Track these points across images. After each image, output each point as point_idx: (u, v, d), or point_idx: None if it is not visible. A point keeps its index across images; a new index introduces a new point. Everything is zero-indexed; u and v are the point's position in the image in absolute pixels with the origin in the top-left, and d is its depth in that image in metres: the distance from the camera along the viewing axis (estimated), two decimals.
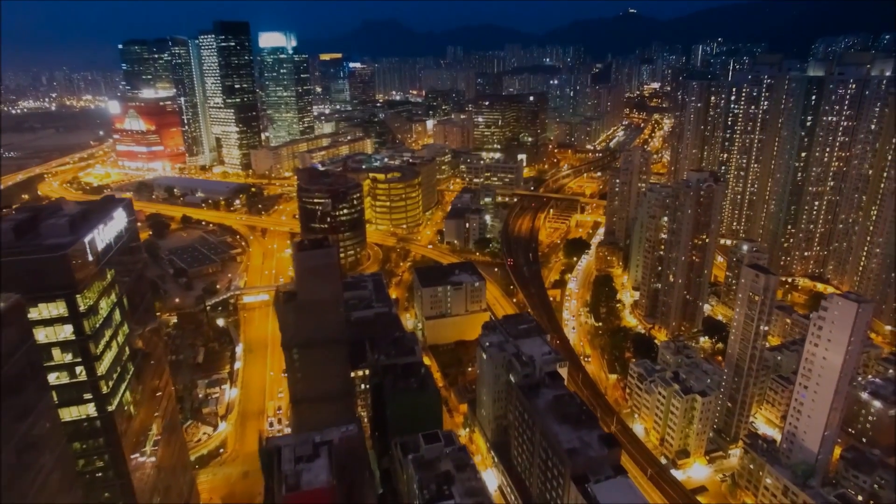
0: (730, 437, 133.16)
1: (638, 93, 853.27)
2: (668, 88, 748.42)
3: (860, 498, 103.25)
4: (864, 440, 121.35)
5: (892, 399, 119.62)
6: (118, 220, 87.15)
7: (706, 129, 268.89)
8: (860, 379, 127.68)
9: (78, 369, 73.00)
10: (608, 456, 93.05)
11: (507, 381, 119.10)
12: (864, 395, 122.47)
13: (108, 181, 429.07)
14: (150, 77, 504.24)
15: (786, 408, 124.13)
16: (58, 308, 69.12)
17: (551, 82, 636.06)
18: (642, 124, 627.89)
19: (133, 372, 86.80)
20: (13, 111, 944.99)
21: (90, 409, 75.48)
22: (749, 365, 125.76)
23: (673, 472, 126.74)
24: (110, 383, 77.39)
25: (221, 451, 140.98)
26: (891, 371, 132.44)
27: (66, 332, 70.76)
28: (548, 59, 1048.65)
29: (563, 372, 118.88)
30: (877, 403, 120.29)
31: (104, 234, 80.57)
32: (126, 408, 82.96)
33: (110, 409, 76.89)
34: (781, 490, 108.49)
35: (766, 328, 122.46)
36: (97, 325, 74.57)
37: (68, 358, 71.72)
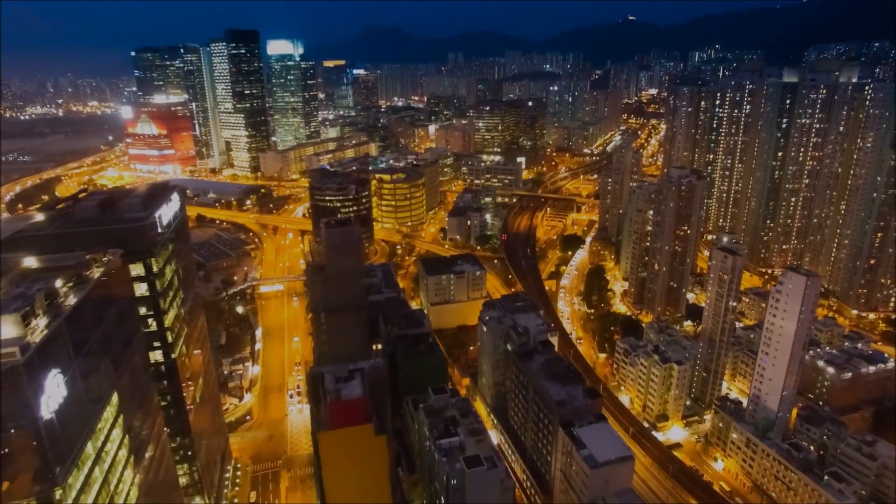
0: (705, 403, 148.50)
1: (636, 98, 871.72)
2: (665, 94, 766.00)
3: (811, 448, 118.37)
4: (820, 403, 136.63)
5: (844, 366, 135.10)
6: (174, 202, 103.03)
7: (697, 132, 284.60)
8: (819, 350, 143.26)
9: (150, 321, 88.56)
10: (591, 406, 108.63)
11: (505, 351, 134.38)
12: (821, 364, 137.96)
13: (121, 183, 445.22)
14: (161, 83, 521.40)
15: None
16: (137, 269, 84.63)
17: (551, 88, 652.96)
18: (639, 129, 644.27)
19: (186, 331, 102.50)
20: (22, 117, 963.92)
21: (158, 356, 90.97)
22: (720, 338, 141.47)
23: (653, 433, 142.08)
24: (173, 335, 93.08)
25: (248, 418, 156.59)
26: (846, 344, 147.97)
27: (143, 289, 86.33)
28: (548, 66, 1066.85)
29: (554, 341, 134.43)
30: (831, 370, 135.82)
31: (166, 212, 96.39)
32: (183, 359, 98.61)
33: (173, 356, 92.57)
34: (745, 442, 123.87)
35: (735, 304, 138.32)
36: (164, 286, 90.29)
37: (143, 310, 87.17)
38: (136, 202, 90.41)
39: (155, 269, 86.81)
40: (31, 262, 64.07)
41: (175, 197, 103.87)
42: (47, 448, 46.94)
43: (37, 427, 46.26)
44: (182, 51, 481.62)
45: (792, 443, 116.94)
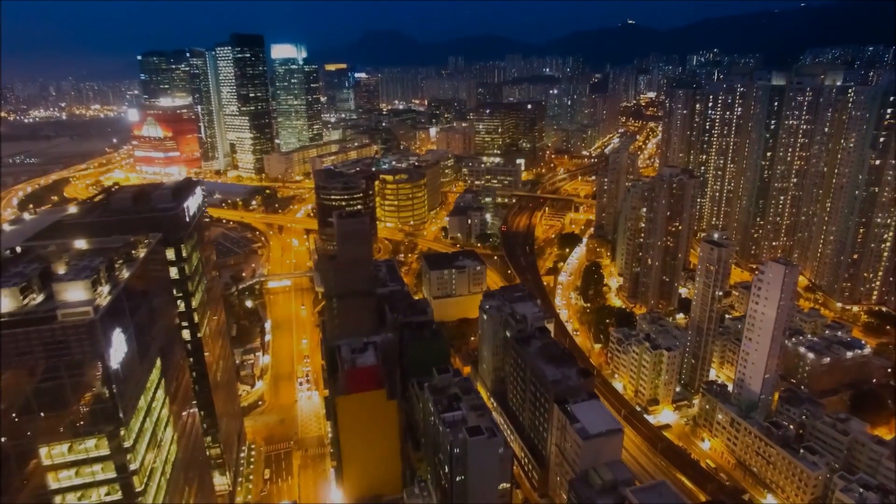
0: (694, 389, 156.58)
1: (634, 102, 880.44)
2: (663, 97, 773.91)
3: (791, 426, 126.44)
4: (802, 387, 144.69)
5: (823, 352, 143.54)
6: (198, 195, 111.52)
7: (692, 134, 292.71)
8: (801, 338, 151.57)
9: (179, 302, 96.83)
10: (583, 384, 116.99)
11: (504, 337, 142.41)
12: (802, 350, 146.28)
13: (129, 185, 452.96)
14: (167, 86, 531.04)
15: None
16: (169, 253, 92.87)
17: (551, 92, 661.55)
18: (637, 132, 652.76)
19: (209, 314, 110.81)
20: (26, 120, 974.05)
21: (186, 335, 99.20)
22: (707, 325, 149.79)
23: (645, 416, 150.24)
24: (199, 316, 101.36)
25: (260, 403, 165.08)
26: (827, 332, 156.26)
27: (174, 272, 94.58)
28: (547, 69, 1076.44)
29: (550, 327, 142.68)
30: (811, 356, 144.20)
31: (192, 204, 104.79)
32: (207, 340, 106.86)
33: (199, 335, 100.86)
34: (729, 422, 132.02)
35: (721, 293, 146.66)
36: (192, 270, 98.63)
37: (174, 291, 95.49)
38: (167, 194, 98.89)
39: (184, 254, 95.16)
40: (81, 243, 72.43)
41: (198, 191, 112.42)
42: (115, 392, 55.11)
43: (108, 373, 54.42)
44: (188, 55, 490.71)
45: (772, 421, 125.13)
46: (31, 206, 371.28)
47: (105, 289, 58.88)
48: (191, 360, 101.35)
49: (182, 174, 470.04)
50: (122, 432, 56.44)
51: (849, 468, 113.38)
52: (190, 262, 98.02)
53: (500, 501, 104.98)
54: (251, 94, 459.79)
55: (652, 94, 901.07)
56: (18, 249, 69.00)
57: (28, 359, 50.88)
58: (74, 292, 55.50)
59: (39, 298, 56.83)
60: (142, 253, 72.63)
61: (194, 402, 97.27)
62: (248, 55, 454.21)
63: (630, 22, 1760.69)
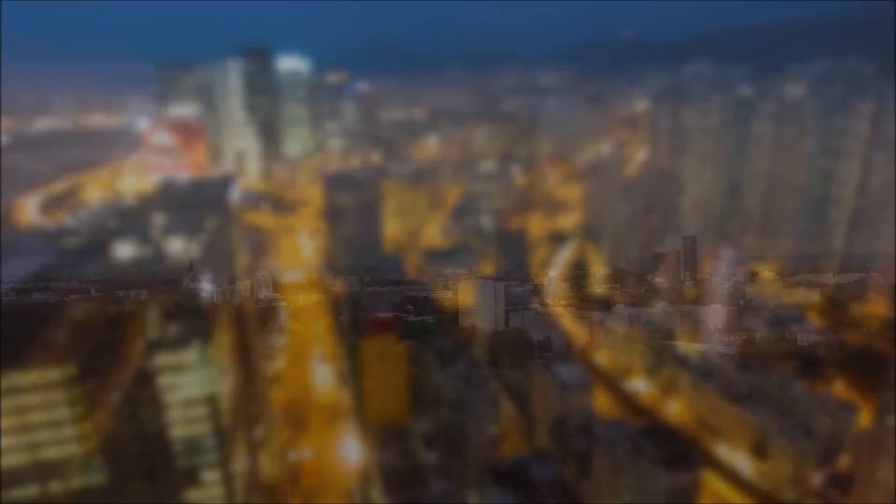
0: (665, 361, 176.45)
1: (629, 112, 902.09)
2: (654, 107, 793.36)
3: (743, 387, 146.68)
4: (757, 356, 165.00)
5: (775, 326, 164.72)
6: (234, 187, 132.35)
7: (675, 141, 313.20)
8: (759, 315, 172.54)
9: None
10: (562, 345, 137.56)
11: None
12: (758, 323, 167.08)
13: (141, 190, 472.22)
14: (176, 96, 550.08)
15: None
16: None
17: (546, 101, 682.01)
18: (631, 141, 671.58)
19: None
20: (30, 128, 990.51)
21: None
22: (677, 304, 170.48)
23: (620, 385, 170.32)
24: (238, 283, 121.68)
25: (278, 375, 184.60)
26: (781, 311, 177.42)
27: None
28: (544, 80, 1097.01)
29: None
30: (765, 328, 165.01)
31: (233, 192, 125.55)
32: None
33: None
34: (691, 385, 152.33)
35: (687, 272, 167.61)
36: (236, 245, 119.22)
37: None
38: (217, 182, 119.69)
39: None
40: (164, 217, 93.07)
41: (235, 184, 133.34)
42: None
43: (203, 298, 74.99)
44: (197, 66, 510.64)
45: (727, 382, 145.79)
46: (51, 209, 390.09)
47: (197, 240, 79.63)
48: None
49: None
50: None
51: (787, 417, 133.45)
52: (234, 238, 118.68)
53: (491, 443, 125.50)
54: (258, 104, 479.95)
55: (646, 104, 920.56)
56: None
57: (152, 284, 71.43)
58: (178, 243, 76.17)
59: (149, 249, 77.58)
60: (211, 223, 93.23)
61: None
62: (257, 66, 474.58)
63: (627, 34, 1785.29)
